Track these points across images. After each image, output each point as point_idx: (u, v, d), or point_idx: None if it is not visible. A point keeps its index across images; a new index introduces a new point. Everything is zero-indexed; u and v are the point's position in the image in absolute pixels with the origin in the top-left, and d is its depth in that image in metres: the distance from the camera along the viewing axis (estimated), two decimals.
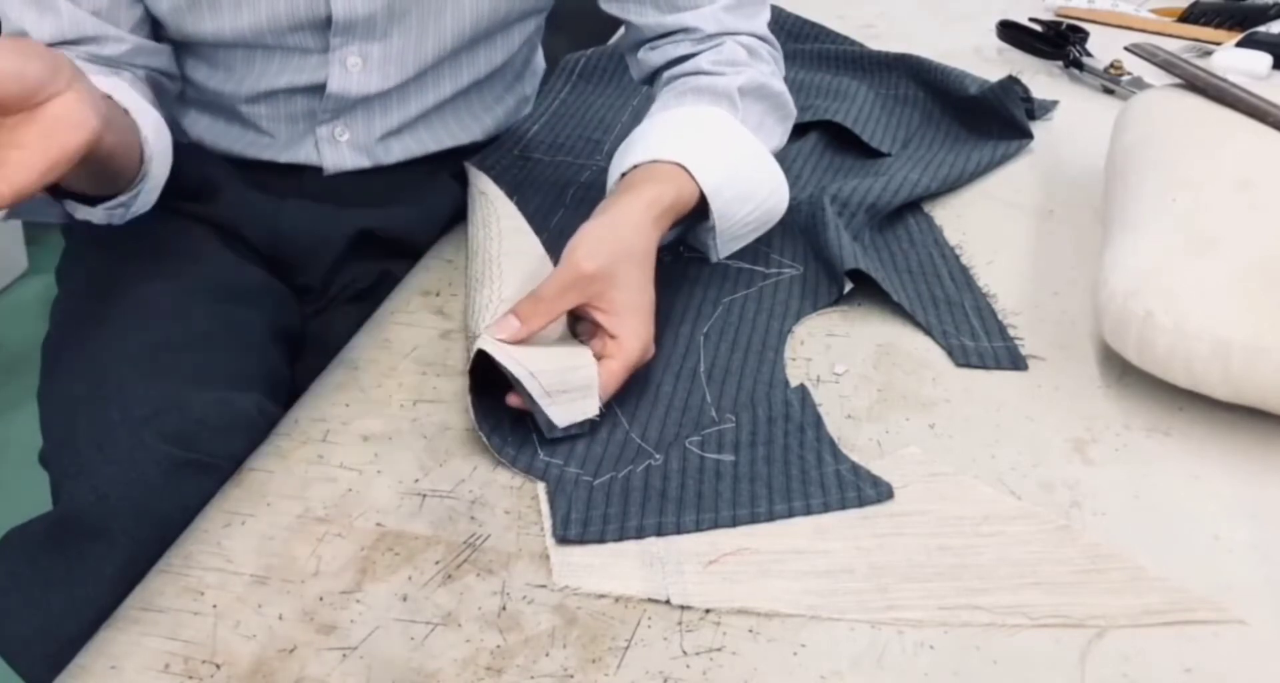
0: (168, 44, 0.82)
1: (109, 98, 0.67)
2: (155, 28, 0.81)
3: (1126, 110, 0.94)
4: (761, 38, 0.88)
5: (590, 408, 0.66)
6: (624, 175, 0.75)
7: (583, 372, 0.65)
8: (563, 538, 0.59)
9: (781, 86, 0.86)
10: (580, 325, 0.71)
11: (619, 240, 0.69)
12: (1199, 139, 0.83)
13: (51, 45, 0.77)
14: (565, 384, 0.64)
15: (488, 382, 0.66)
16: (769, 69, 0.86)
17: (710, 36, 0.85)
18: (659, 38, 0.87)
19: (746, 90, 0.82)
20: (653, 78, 0.90)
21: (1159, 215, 0.75)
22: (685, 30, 0.85)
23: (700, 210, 0.76)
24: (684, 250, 0.84)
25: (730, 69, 0.83)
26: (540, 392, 0.64)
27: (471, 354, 0.66)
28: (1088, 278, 0.78)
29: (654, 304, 0.70)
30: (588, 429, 0.66)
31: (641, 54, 0.89)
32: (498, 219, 0.83)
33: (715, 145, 0.77)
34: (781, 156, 0.82)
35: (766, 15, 0.89)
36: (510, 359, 0.64)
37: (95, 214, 0.73)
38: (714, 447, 0.64)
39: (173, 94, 0.86)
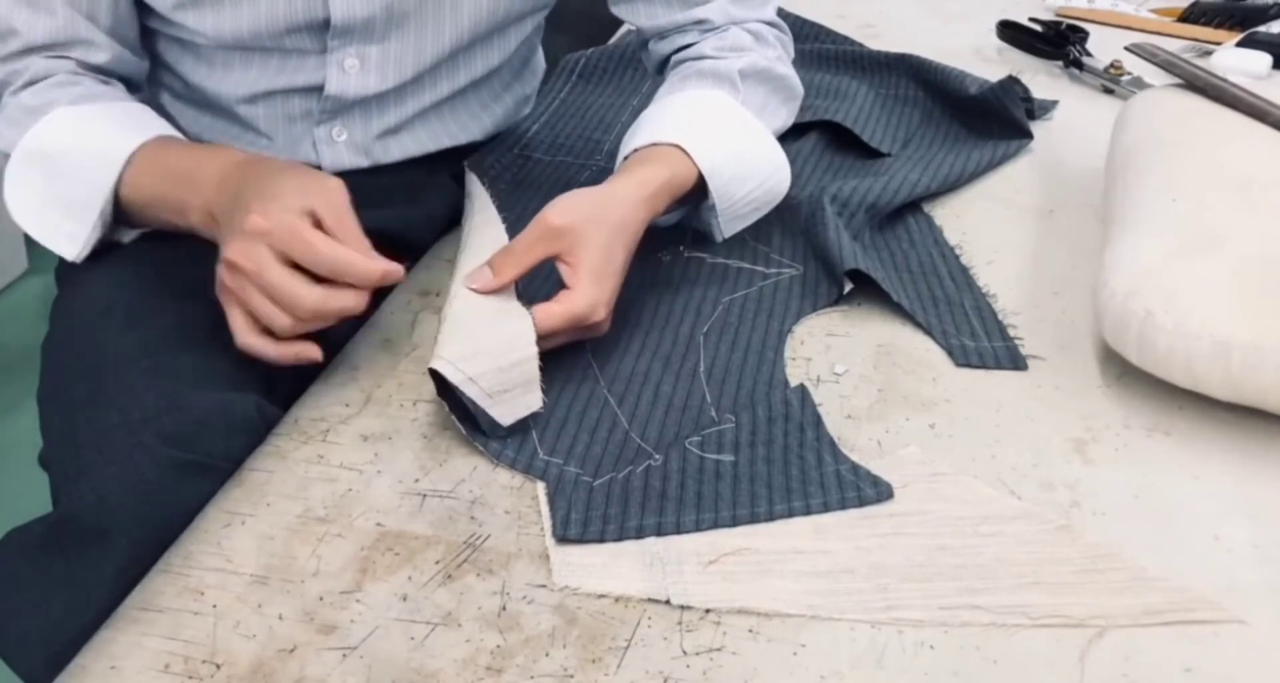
0: (144, 56, 0.84)
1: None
2: (134, 37, 0.83)
3: (1126, 110, 0.93)
4: (769, 23, 0.90)
5: (534, 402, 0.66)
6: (625, 160, 0.77)
7: (524, 367, 0.65)
8: (563, 538, 0.59)
9: (787, 70, 0.88)
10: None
11: (594, 205, 0.71)
12: (1199, 139, 0.83)
13: (44, 47, 0.79)
14: (506, 383, 0.65)
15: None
16: (774, 53, 0.88)
17: (719, 27, 0.88)
18: (670, 31, 0.90)
19: (748, 73, 0.84)
20: (663, 66, 0.92)
21: (1159, 215, 0.75)
22: (696, 23, 0.88)
23: (702, 190, 0.78)
24: (684, 250, 0.84)
25: (733, 53, 0.85)
26: (481, 395, 0.64)
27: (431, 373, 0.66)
28: (1088, 278, 0.78)
29: (620, 275, 0.71)
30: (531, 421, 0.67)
31: (652, 45, 0.92)
32: (471, 217, 0.84)
33: (713, 126, 0.79)
34: None
35: (775, 2, 0.92)
36: (450, 366, 0.64)
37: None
38: (714, 447, 0.64)
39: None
